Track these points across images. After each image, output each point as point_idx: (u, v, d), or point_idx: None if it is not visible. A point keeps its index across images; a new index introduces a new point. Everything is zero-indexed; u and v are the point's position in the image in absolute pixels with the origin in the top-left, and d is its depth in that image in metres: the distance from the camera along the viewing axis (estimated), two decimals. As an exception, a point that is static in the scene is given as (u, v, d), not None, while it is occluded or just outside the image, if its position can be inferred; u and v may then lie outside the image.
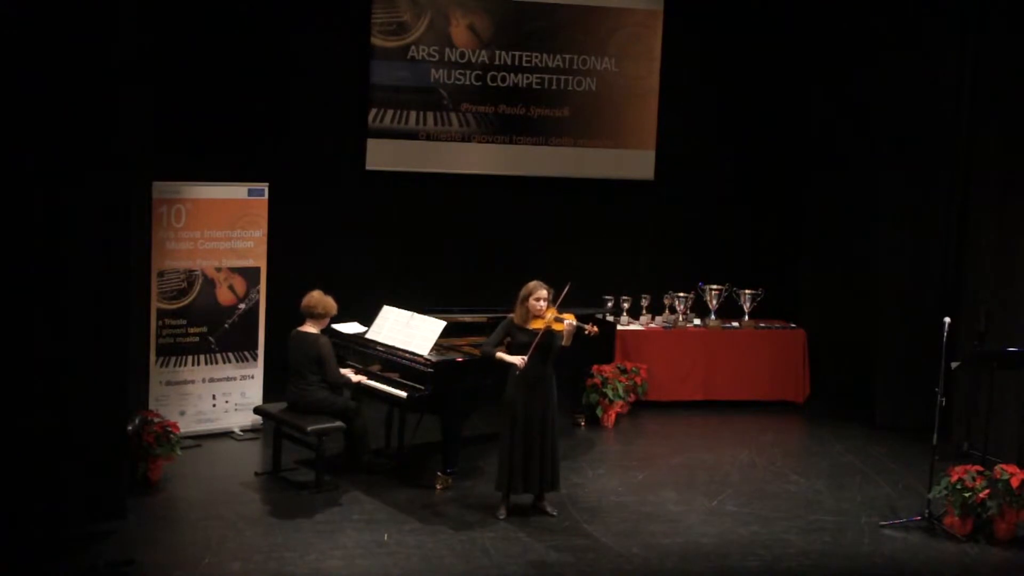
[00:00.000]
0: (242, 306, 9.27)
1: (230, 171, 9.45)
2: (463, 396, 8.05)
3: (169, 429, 7.98)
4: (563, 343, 7.42)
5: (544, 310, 7.43)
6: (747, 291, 10.91)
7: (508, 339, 7.54)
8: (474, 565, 6.80)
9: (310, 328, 8.10)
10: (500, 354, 7.49)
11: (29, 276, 6.48)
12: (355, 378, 8.30)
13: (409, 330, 8.34)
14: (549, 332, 7.36)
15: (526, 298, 7.46)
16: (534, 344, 7.33)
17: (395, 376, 8.22)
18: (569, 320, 7.43)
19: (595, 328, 7.80)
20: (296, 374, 8.07)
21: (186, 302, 9.01)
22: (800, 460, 9.29)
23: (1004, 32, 9.39)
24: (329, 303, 8.15)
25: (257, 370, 9.36)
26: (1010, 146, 9.34)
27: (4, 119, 6.35)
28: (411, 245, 11.10)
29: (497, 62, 11.22)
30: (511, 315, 7.57)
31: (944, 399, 7.78)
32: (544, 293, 7.45)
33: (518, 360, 7.35)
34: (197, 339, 9.07)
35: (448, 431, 8.08)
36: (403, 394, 8.02)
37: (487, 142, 11.29)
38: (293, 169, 10.46)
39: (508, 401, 7.47)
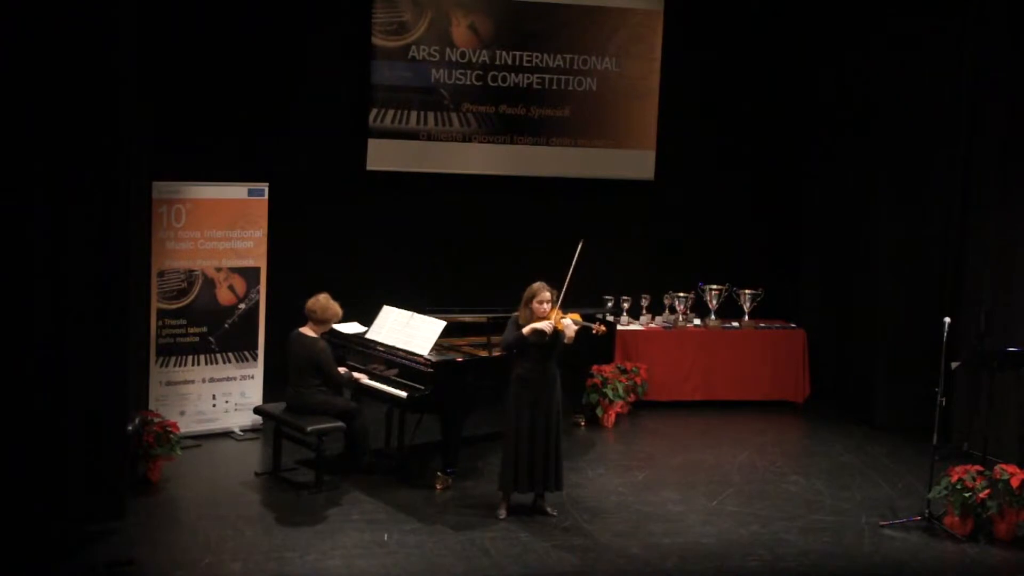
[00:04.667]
0: (242, 306, 9.27)
1: (230, 171, 9.45)
2: (463, 396, 8.05)
3: (169, 429, 7.99)
4: (566, 341, 7.41)
5: (548, 312, 7.42)
6: (747, 291, 10.92)
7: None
8: (474, 565, 6.80)
9: (310, 331, 8.10)
10: (533, 326, 7.36)
11: (29, 276, 6.49)
12: (355, 375, 8.29)
13: (409, 330, 8.34)
14: (559, 334, 7.36)
15: (529, 300, 7.44)
16: (553, 326, 7.31)
17: (395, 376, 8.22)
18: (574, 319, 7.43)
19: (603, 327, 7.82)
20: (296, 375, 8.07)
21: (186, 302, 9.02)
22: (800, 460, 9.29)
23: (1004, 30, 9.39)
24: (332, 309, 8.12)
25: (257, 370, 9.36)
26: (1010, 146, 9.34)
27: (3, 119, 6.35)
28: (411, 245, 11.09)
29: (498, 62, 11.22)
30: (516, 313, 7.56)
31: (944, 399, 7.79)
32: (547, 295, 7.43)
33: (545, 325, 7.31)
34: (197, 339, 9.07)
35: (448, 431, 8.08)
36: (403, 394, 8.03)
37: (488, 142, 11.29)
38: (293, 169, 10.46)
39: (513, 400, 7.47)
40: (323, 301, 8.12)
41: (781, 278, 11.48)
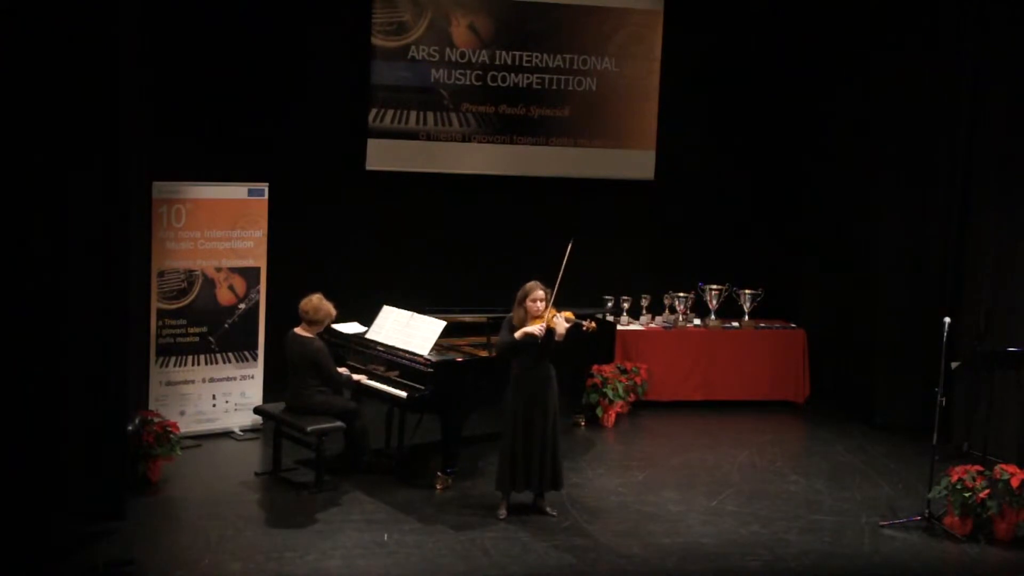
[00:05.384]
0: (242, 306, 9.27)
1: (230, 171, 9.45)
2: (463, 396, 8.05)
3: (169, 429, 7.99)
4: (556, 338, 7.40)
5: (542, 310, 7.44)
6: (747, 291, 10.92)
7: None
8: (474, 565, 6.80)
9: (304, 332, 8.08)
10: (525, 330, 7.38)
11: (29, 276, 6.49)
12: (355, 377, 8.29)
13: (409, 330, 8.34)
14: (550, 331, 7.37)
15: (523, 299, 7.47)
16: (545, 327, 7.32)
17: (395, 376, 8.22)
18: (567, 316, 7.45)
19: (593, 324, 7.83)
20: (294, 376, 8.06)
21: (186, 302, 9.02)
22: (800, 460, 9.29)
23: (1004, 30, 9.39)
24: (325, 309, 8.08)
25: (257, 370, 9.36)
26: (1010, 146, 9.34)
27: (3, 119, 6.35)
28: (411, 245, 11.09)
29: (497, 62, 11.22)
30: (511, 314, 7.57)
31: (944, 399, 7.78)
32: (541, 293, 7.46)
33: (536, 328, 7.33)
34: (197, 339, 9.07)
35: (448, 431, 8.08)
36: (403, 394, 8.03)
37: (487, 142, 11.29)
38: (293, 169, 10.46)
39: (510, 400, 7.48)
40: (315, 302, 8.10)
41: (781, 278, 11.48)
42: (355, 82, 10.94)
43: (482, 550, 7.02)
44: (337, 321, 8.51)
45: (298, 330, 8.10)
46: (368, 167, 11.01)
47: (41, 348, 6.54)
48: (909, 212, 10.14)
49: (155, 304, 8.87)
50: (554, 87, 11.39)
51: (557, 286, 7.51)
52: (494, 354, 7.91)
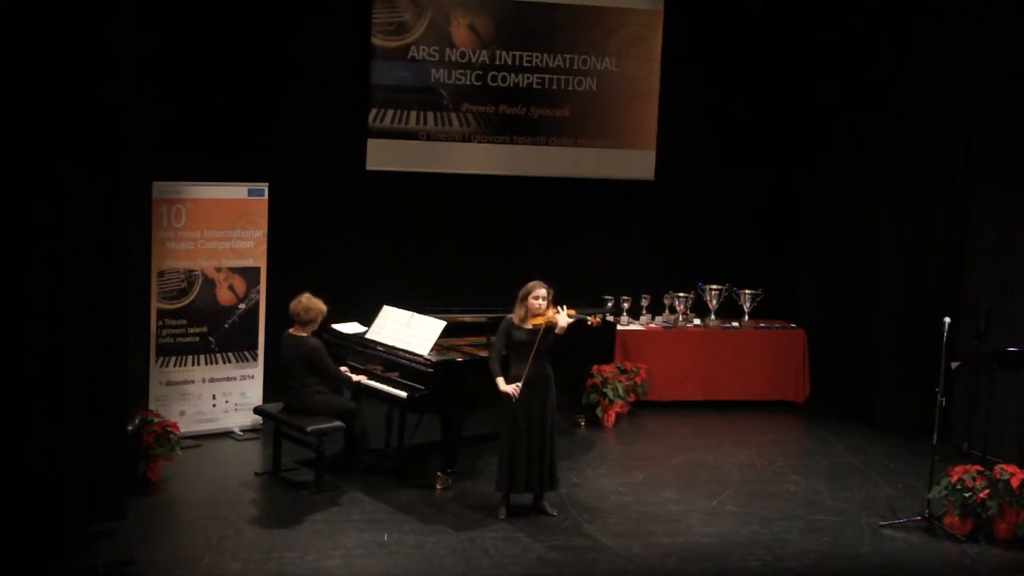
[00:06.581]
0: (242, 306, 9.27)
1: (230, 171, 9.45)
2: (463, 396, 8.05)
3: (169, 429, 7.99)
4: (557, 331, 7.40)
5: (543, 308, 7.45)
6: (747, 291, 10.92)
7: (507, 340, 7.57)
8: (474, 565, 6.80)
9: (299, 332, 8.07)
10: (501, 384, 7.48)
11: (28, 276, 6.48)
12: (355, 377, 8.29)
13: (409, 330, 8.34)
14: (550, 329, 7.38)
15: (525, 296, 7.50)
16: (534, 350, 7.33)
17: (395, 376, 8.22)
18: (570, 313, 7.45)
19: (598, 319, 7.86)
20: (292, 377, 8.06)
21: (186, 302, 9.02)
22: (800, 460, 9.29)
23: (1004, 31, 9.39)
24: (315, 308, 8.05)
25: (257, 370, 9.36)
26: (1010, 146, 9.34)
27: (3, 119, 6.35)
28: (411, 245, 11.10)
29: (497, 62, 11.22)
30: (509, 315, 7.58)
31: (944, 399, 7.79)
32: (543, 292, 7.48)
33: (511, 389, 7.39)
34: (197, 339, 9.08)
35: (448, 431, 8.08)
36: (403, 394, 8.03)
37: (487, 142, 11.28)
38: (293, 169, 10.46)
39: (509, 401, 7.47)
40: (305, 302, 8.08)
41: (781, 278, 11.48)
42: (355, 82, 10.94)
43: (482, 550, 7.02)
44: (337, 321, 8.49)
45: (292, 331, 8.10)
46: (368, 167, 11.01)
47: (41, 348, 6.53)
48: (909, 212, 10.13)
49: (155, 304, 8.87)
50: (554, 87, 11.39)
51: (531, 364, 7.46)
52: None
